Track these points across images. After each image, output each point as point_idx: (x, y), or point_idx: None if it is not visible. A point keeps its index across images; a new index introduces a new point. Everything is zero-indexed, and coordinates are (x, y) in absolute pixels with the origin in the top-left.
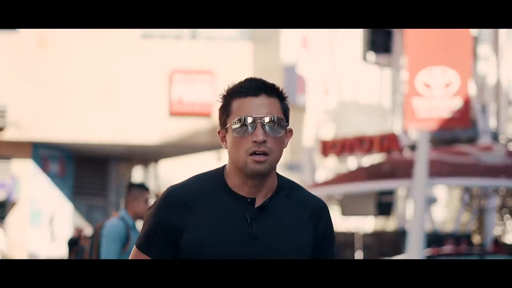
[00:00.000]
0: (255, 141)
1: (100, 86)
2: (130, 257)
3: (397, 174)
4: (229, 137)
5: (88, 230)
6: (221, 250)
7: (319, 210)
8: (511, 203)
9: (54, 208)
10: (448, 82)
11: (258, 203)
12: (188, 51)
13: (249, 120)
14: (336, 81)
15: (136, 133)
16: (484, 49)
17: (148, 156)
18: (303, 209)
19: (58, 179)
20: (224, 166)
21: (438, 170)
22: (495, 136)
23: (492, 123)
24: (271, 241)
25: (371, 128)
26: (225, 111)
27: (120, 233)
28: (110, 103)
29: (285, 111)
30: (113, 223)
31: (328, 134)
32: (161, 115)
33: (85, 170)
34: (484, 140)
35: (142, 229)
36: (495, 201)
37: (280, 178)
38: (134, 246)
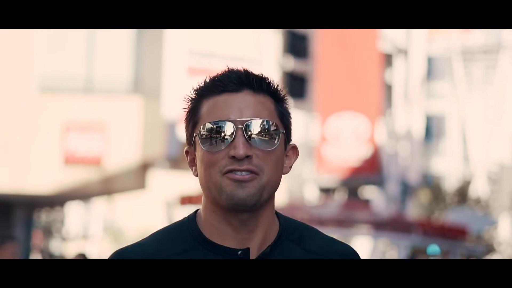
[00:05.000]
0: (233, 156)
1: None
2: None
3: None
4: (198, 155)
5: None
6: None
7: None
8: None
9: None
10: (357, 129)
11: (253, 254)
12: (81, 104)
13: (225, 126)
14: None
15: (33, 183)
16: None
17: (48, 203)
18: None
19: None
20: (196, 211)
21: None
22: (403, 182)
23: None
24: None
25: None
26: (192, 117)
27: None
28: (8, 154)
29: (282, 115)
30: None
31: None
32: (56, 165)
33: None
34: (391, 185)
35: None
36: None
37: (281, 217)
38: None
